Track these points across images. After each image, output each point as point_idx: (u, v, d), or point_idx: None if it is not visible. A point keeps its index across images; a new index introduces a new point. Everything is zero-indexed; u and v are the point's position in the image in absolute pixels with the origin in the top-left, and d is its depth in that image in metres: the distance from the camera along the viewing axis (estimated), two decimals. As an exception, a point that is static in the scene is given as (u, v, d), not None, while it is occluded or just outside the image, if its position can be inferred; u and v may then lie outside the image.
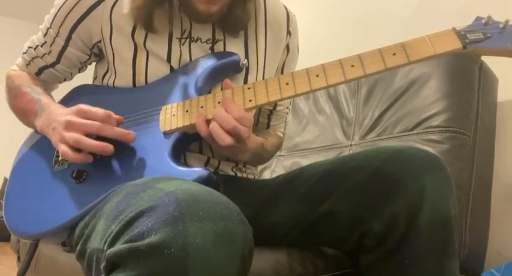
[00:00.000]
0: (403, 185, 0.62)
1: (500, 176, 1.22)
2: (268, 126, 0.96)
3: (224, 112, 0.65)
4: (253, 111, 0.90)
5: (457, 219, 0.64)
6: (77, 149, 0.67)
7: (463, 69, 1.13)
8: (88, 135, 0.67)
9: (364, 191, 0.66)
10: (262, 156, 0.90)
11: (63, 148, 0.67)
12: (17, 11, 4.17)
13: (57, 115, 0.71)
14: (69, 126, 0.67)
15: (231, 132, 0.64)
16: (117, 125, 0.69)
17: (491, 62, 1.18)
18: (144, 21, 0.76)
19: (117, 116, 0.70)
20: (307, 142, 1.45)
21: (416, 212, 0.61)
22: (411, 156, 0.65)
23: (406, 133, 1.15)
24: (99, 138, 0.67)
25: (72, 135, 0.65)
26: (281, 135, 0.99)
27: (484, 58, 1.15)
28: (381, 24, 1.65)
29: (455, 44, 0.59)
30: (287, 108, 0.97)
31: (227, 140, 0.64)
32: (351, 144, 1.30)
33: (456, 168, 1.04)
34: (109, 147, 0.66)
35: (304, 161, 1.37)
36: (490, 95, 1.21)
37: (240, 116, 0.64)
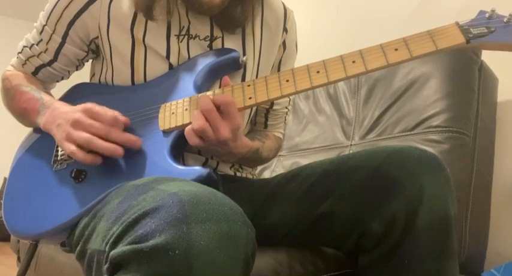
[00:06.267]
0: (402, 185, 0.62)
1: (500, 176, 1.22)
2: (266, 125, 0.95)
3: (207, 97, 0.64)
4: (248, 110, 0.88)
5: (457, 220, 0.64)
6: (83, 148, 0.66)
7: (463, 69, 1.12)
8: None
9: (363, 191, 0.66)
10: (256, 161, 0.89)
11: (71, 147, 0.66)
12: (13, 10, 4.17)
13: (62, 112, 0.71)
14: (76, 125, 0.66)
15: (208, 117, 0.63)
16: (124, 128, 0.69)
17: (491, 62, 1.18)
18: (145, 7, 0.75)
19: (123, 118, 0.69)
20: (307, 142, 1.45)
21: (415, 212, 0.61)
22: (410, 156, 0.65)
23: (406, 133, 1.15)
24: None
25: (82, 135, 0.65)
26: (280, 136, 0.98)
27: (484, 58, 1.15)
28: (381, 23, 1.65)
29: (459, 39, 0.58)
30: (286, 107, 0.96)
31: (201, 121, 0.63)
32: (351, 144, 1.30)
33: (456, 168, 1.04)
34: (120, 151, 0.65)
35: (304, 161, 1.37)
36: (490, 95, 1.21)
37: (222, 100, 0.63)
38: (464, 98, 1.10)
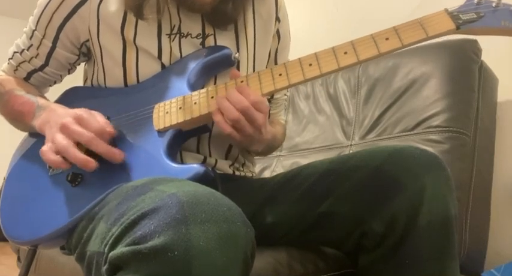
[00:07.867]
0: (403, 184, 0.62)
1: (500, 176, 1.23)
2: (268, 115, 0.95)
3: (238, 94, 0.64)
4: None
5: (457, 220, 0.64)
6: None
7: (463, 69, 1.12)
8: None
9: (363, 191, 0.66)
10: (273, 147, 0.90)
11: (45, 147, 0.65)
12: (13, 10, 4.16)
13: (57, 114, 0.70)
14: (63, 129, 0.65)
15: (244, 114, 0.64)
16: (110, 139, 0.67)
17: (491, 62, 1.18)
18: (135, 6, 0.74)
19: (110, 130, 0.67)
20: (307, 142, 1.45)
21: (415, 212, 0.61)
22: (411, 156, 0.65)
23: (406, 133, 1.15)
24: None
25: (62, 141, 0.64)
26: (283, 122, 1.00)
27: (484, 58, 1.15)
28: (381, 23, 1.65)
29: (449, 26, 0.58)
30: (285, 95, 0.98)
31: (235, 113, 0.63)
32: (351, 144, 1.30)
33: (456, 168, 1.04)
34: (92, 164, 0.63)
35: (304, 161, 1.37)
36: (490, 95, 1.21)
37: (256, 100, 0.64)
38: (464, 98, 1.10)
